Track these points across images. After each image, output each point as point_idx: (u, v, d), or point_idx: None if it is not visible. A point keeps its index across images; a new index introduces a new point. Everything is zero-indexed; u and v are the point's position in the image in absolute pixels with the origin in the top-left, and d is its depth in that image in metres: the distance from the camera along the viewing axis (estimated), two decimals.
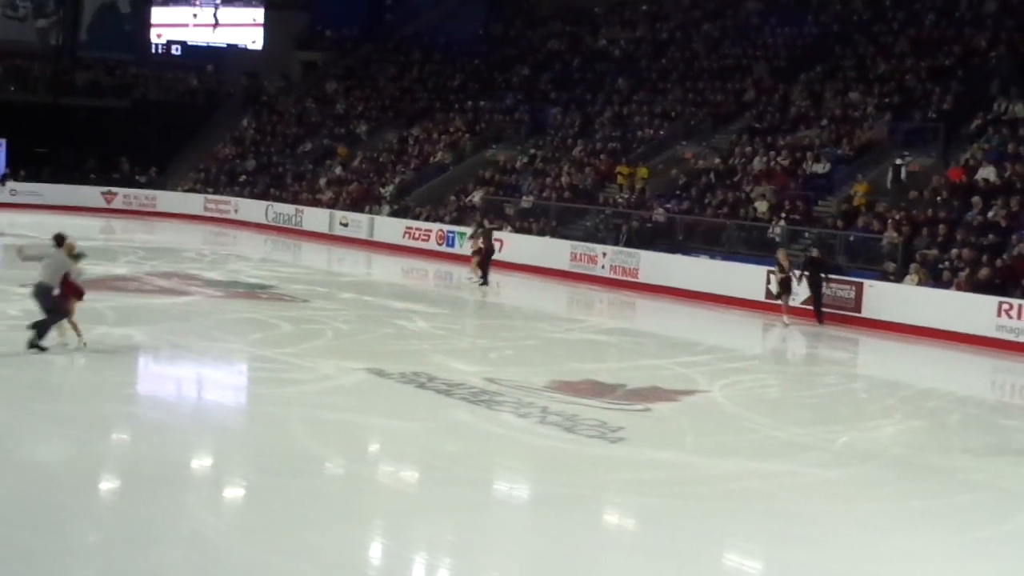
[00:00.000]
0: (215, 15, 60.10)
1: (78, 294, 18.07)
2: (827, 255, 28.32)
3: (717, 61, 43.28)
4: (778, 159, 34.63)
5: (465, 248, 31.70)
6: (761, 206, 32.48)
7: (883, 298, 26.60)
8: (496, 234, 36.64)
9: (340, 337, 21.64)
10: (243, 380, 18.60)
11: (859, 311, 26.90)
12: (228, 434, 14.78)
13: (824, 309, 26.89)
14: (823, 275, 26.86)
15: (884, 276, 27.65)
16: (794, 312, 26.80)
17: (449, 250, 37.78)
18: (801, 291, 26.92)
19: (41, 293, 17.63)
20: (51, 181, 49.84)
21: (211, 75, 60.27)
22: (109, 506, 11.72)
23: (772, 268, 27.48)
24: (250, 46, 60.61)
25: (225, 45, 60.91)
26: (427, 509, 11.85)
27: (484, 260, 30.87)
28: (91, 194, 49.76)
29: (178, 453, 13.35)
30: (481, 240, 31.24)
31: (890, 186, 31.93)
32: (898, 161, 32.18)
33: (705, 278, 30.71)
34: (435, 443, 14.28)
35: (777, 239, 31.03)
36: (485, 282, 30.69)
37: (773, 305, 28.29)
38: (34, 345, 17.40)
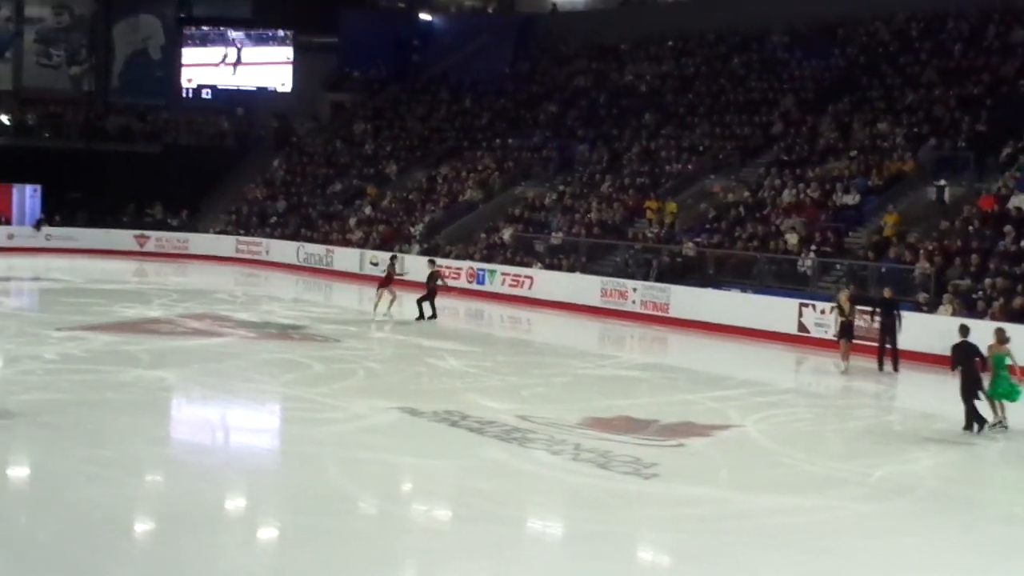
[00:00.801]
0: (239, 54, 60.65)
1: None
2: (897, 294, 25.94)
3: (744, 94, 43.29)
4: (807, 191, 34.56)
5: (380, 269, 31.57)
6: (791, 239, 32.40)
7: (916, 329, 26.43)
8: (526, 271, 36.75)
9: (372, 376, 21.68)
10: (276, 420, 18.65)
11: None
12: (262, 475, 14.81)
13: (858, 341, 26.53)
14: (897, 315, 24.67)
15: (917, 307, 27.48)
16: (857, 349, 25.09)
17: (480, 287, 37.81)
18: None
19: None
20: (85, 226, 50.32)
21: (241, 118, 60.71)
22: (145, 548, 11.76)
23: (831, 304, 26.21)
24: (279, 88, 61.08)
25: (255, 88, 61.41)
26: (461, 548, 11.83)
27: (427, 297, 30.46)
28: (124, 238, 50.14)
29: (212, 494, 13.39)
30: (426, 279, 31.13)
31: (930, 207, 31.81)
32: (941, 182, 32.04)
33: (736, 312, 30.62)
34: (468, 481, 14.28)
35: (808, 272, 30.94)
36: (421, 316, 30.24)
37: (805, 338, 28.21)
38: None
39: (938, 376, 21.55)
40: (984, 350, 18.22)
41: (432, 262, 32.67)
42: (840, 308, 24.77)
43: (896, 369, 24.69)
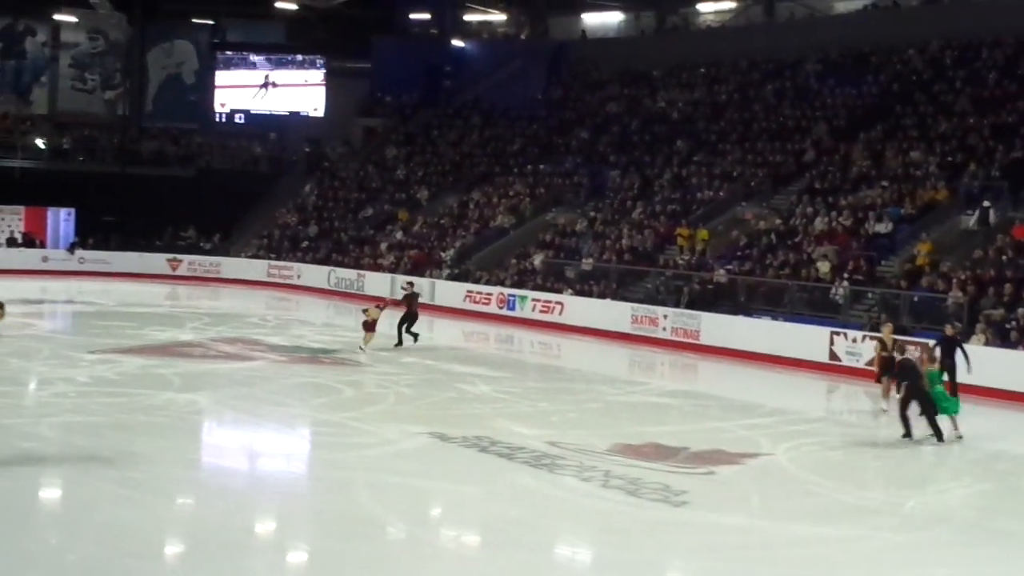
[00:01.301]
0: (272, 79, 61.09)
1: None
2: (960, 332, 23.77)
3: (776, 122, 43.24)
4: (839, 219, 34.46)
5: (371, 313, 28.33)
6: (823, 267, 32.28)
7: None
8: (556, 297, 36.72)
9: (402, 401, 21.70)
10: (306, 445, 18.69)
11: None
12: (292, 499, 14.83)
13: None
14: (963, 352, 22.46)
15: None
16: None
17: (510, 313, 37.81)
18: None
19: None
20: (118, 249, 50.63)
21: (274, 143, 61.06)
22: (175, 571, 11.79)
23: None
24: (312, 113, 61.46)
25: (287, 113, 61.80)
26: (490, 574, 11.81)
27: (406, 321, 29.48)
28: (157, 261, 50.41)
29: (243, 518, 13.42)
30: (403, 302, 30.20)
31: (976, 227, 31.71)
32: (985, 203, 31.91)
33: (767, 340, 30.51)
34: (497, 507, 14.26)
35: (840, 300, 30.81)
36: (400, 343, 29.26)
37: (836, 366, 28.06)
38: None
39: (970, 407, 21.38)
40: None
41: (411, 284, 31.92)
42: (882, 343, 22.94)
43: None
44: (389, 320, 29.29)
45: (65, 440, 16.32)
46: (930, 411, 18.98)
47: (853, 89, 42.55)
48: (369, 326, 27.97)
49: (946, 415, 19.40)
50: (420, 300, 30.99)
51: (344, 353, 27.82)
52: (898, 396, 19.63)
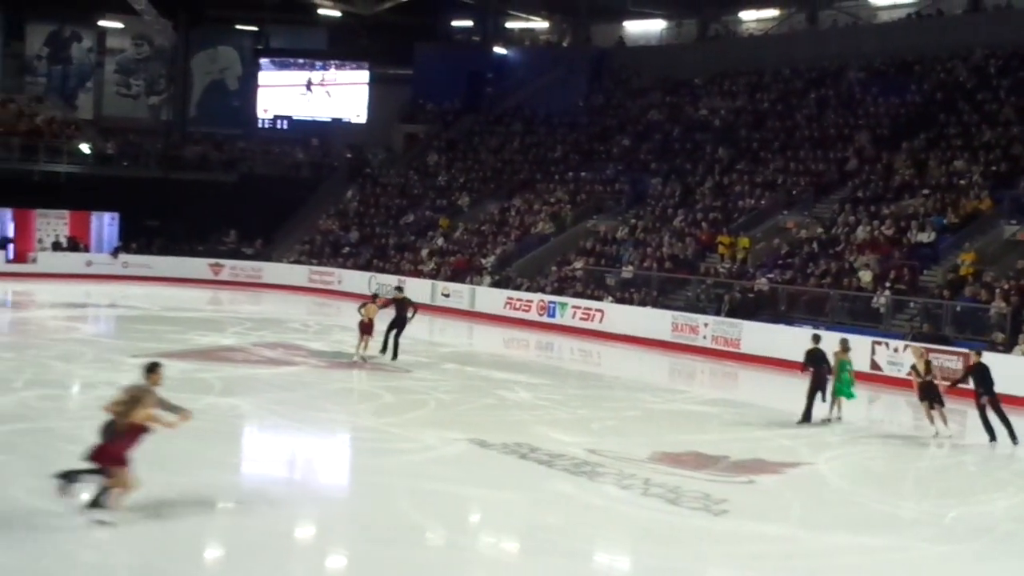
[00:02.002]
0: (314, 85, 61.49)
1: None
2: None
3: (819, 130, 43.07)
4: (882, 228, 34.28)
5: (369, 311, 27.22)
6: (865, 276, 32.12)
7: (991, 369, 26.01)
8: (597, 304, 36.68)
9: (442, 407, 21.74)
10: (346, 450, 18.77)
11: (967, 382, 26.33)
12: (332, 504, 14.90)
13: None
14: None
15: (992, 347, 27.11)
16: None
17: (551, 320, 37.83)
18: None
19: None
20: (161, 254, 51.03)
21: (316, 148, 61.44)
22: (218, 575, 11.88)
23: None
24: (354, 119, 61.80)
25: (329, 119, 62.19)
26: None
27: (394, 327, 27.72)
28: (199, 266, 50.79)
29: (283, 523, 13.50)
30: (392, 304, 28.40)
31: (1020, 237, 31.60)
32: None
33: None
34: (537, 514, 14.27)
35: (882, 309, 30.64)
36: (385, 349, 27.71)
37: (878, 376, 27.89)
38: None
39: (1014, 416, 21.19)
40: (832, 357, 21.90)
41: (401, 288, 30.48)
42: (915, 370, 21.54)
43: (1014, 438, 20.56)
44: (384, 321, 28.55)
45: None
46: (814, 394, 21.68)
47: (896, 98, 42.33)
48: (366, 327, 26.96)
49: (840, 395, 22.04)
50: (414, 305, 28.44)
51: (384, 359, 27.89)
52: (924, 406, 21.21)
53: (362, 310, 27.48)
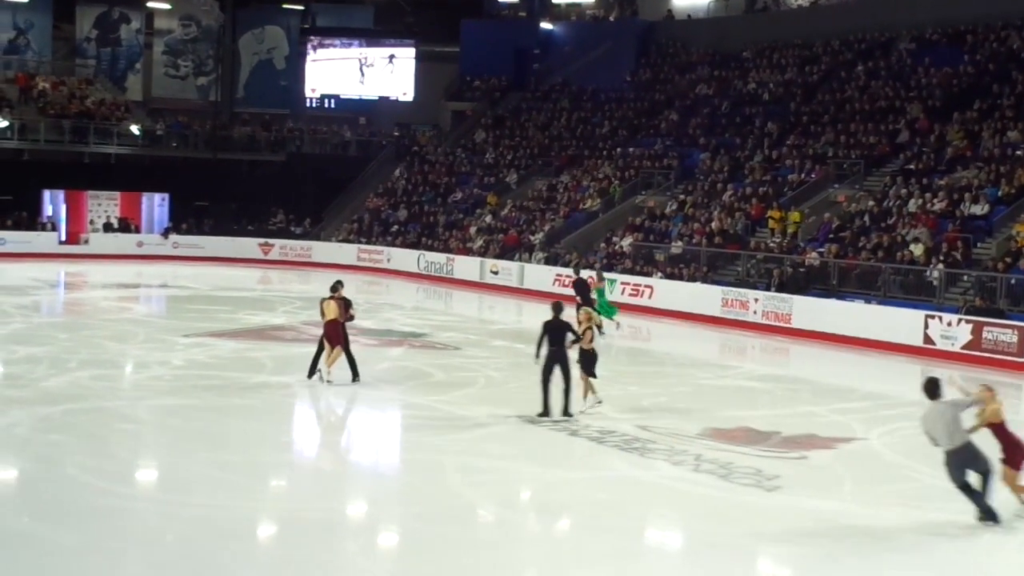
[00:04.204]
0: (361, 64, 61.61)
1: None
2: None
3: (869, 102, 42.60)
4: (934, 201, 33.90)
5: (329, 309, 20.47)
6: (917, 249, 31.77)
7: None
8: (646, 280, 36.50)
9: (492, 385, 21.75)
10: (397, 427, 18.81)
11: (1021, 356, 26.11)
12: (383, 481, 14.95)
13: (989, 355, 25.87)
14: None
15: None
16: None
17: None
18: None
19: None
20: (211, 234, 51.34)
21: (363, 127, 61.52)
22: (269, 551, 11.96)
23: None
24: (401, 97, 61.82)
25: (377, 97, 62.24)
26: (580, 558, 11.81)
27: (337, 343, 20.45)
28: (249, 246, 51.04)
29: (334, 500, 13.56)
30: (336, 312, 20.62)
31: None
32: None
33: (860, 323, 30.09)
34: (588, 491, 14.25)
35: (935, 282, 30.31)
36: (313, 372, 20.62)
37: (931, 350, 27.64)
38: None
39: None
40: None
41: (338, 285, 21.13)
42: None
43: None
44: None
45: (161, 422, 16.59)
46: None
47: (949, 68, 41.77)
48: (331, 334, 20.35)
49: (609, 317, 28.15)
50: (354, 311, 21.47)
51: (434, 337, 27.93)
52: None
53: (324, 309, 20.69)
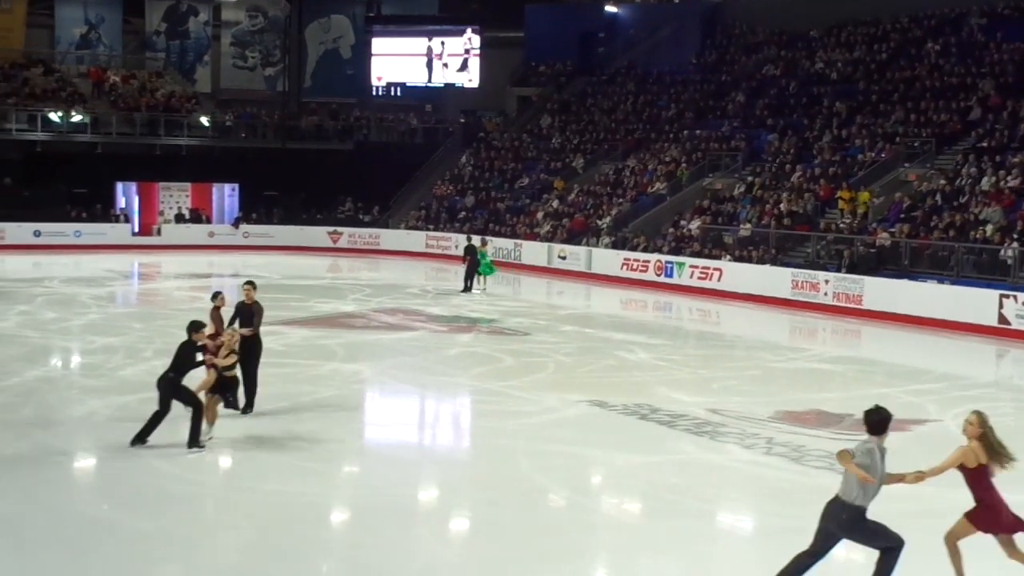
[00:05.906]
0: (427, 51, 61.72)
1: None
2: None
3: (940, 80, 42.04)
4: (1008, 178, 33.40)
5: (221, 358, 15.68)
6: (990, 228, 31.36)
7: None
8: (714, 263, 36.34)
9: (562, 370, 21.75)
10: (468, 413, 18.89)
11: None
12: (455, 466, 15.03)
13: None
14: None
15: None
16: None
17: (668, 280, 37.58)
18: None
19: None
20: (280, 223, 51.87)
21: (430, 114, 61.69)
22: (344, 538, 12.08)
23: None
24: (467, 84, 61.88)
25: (442, 84, 62.36)
26: (653, 542, 11.81)
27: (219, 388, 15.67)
28: (318, 234, 51.46)
29: (408, 486, 13.65)
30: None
31: None
32: None
33: (933, 304, 29.77)
34: (659, 475, 14.23)
35: (1009, 261, 29.89)
36: (195, 441, 14.99)
37: (1006, 330, 27.29)
38: None
39: None
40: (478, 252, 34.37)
41: (251, 286, 18.06)
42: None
43: None
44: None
45: (234, 411, 16.73)
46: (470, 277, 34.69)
47: (1021, 43, 41.10)
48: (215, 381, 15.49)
49: (483, 274, 35.05)
50: (262, 317, 17.46)
51: (503, 322, 27.98)
52: None
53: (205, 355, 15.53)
